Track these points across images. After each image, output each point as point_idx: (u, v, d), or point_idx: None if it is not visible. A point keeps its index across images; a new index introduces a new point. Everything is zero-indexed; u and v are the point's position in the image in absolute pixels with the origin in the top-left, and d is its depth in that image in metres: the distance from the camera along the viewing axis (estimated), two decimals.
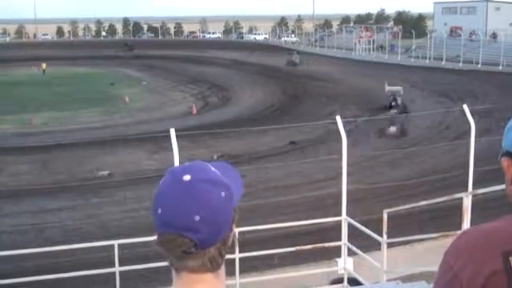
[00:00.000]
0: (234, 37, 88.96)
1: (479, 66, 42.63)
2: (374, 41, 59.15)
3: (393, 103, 31.60)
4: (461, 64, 44.42)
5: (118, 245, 6.64)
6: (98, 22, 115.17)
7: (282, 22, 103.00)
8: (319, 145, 23.10)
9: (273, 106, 35.06)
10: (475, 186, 7.30)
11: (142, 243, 6.85)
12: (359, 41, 60.37)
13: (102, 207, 16.29)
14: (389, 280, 7.20)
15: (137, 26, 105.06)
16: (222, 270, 1.29)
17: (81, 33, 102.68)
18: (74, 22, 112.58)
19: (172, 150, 6.23)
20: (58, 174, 20.10)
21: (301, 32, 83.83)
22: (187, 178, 1.23)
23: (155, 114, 33.77)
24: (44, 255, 9.52)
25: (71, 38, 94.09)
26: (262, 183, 17.80)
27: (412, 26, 71.92)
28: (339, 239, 7.56)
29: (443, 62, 46.23)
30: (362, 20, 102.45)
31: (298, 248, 7.96)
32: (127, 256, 7.88)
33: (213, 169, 1.28)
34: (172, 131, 6.39)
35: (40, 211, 16.12)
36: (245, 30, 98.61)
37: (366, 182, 17.19)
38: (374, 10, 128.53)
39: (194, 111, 34.19)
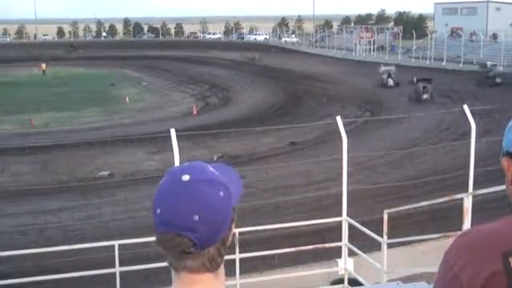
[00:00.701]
0: (234, 37, 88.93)
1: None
2: (374, 41, 59.16)
3: (388, 80, 37.87)
4: (461, 65, 44.44)
5: (119, 245, 6.64)
6: (99, 23, 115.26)
7: (283, 23, 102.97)
8: (319, 145, 23.11)
9: (273, 105, 35.08)
10: (475, 186, 7.30)
11: (142, 244, 6.85)
12: (359, 41, 60.39)
13: (102, 207, 16.28)
14: (389, 281, 7.20)
15: (137, 27, 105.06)
16: (222, 270, 1.29)
17: (81, 33, 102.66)
18: (74, 23, 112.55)
19: (172, 150, 6.23)
20: (58, 174, 20.11)
21: (301, 32, 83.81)
22: (186, 178, 1.23)
23: (155, 114, 33.78)
24: (44, 256, 9.53)
25: (71, 39, 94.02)
26: (263, 184, 17.81)
27: (412, 26, 71.87)
28: (339, 240, 7.56)
29: (444, 63, 46.26)
30: (363, 20, 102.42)
31: (299, 248, 7.96)
32: (128, 256, 7.89)
33: (211, 169, 1.28)
34: (172, 131, 6.39)
35: (40, 211, 16.12)
36: (245, 30, 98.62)
37: (367, 183, 17.20)
38: (375, 11, 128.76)
39: (194, 112, 34.21)
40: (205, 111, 35.07)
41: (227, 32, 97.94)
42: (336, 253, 7.93)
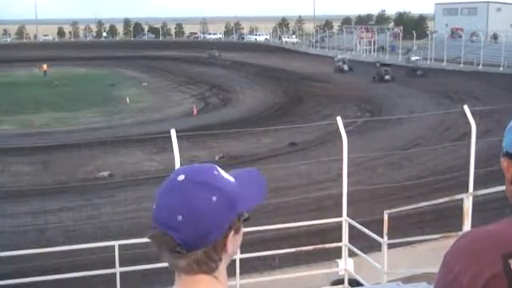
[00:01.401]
0: (234, 37, 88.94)
1: (480, 67, 42.65)
2: (374, 42, 59.16)
3: (343, 66, 47.29)
4: (462, 65, 44.43)
5: (119, 245, 6.64)
6: (99, 23, 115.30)
7: (283, 23, 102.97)
8: (319, 146, 23.11)
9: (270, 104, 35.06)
10: (476, 186, 7.29)
11: (142, 244, 6.85)
12: (360, 42, 60.40)
13: (102, 208, 16.29)
14: (389, 281, 7.19)
15: (138, 27, 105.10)
16: (221, 272, 1.28)
17: (82, 34, 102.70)
18: (74, 23, 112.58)
19: (173, 150, 6.23)
20: (58, 174, 20.11)
21: (301, 33, 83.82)
22: (181, 177, 1.23)
23: (156, 114, 33.79)
24: (45, 256, 9.54)
25: (72, 39, 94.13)
26: None
27: (413, 26, 71.88)
28: (340, 240, 7.56)
29: (444, 63, 46.25)
30: (363, 21, 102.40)
31: (299, 249, 7.96)
32: (128, 257, 7.88)
33: (216, 172, 1.26)
34: (173, 132, 6.38)
35: (41, 212, 16.13)
36: (246, 30, 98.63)
37: (367, 183, 17.20)
38: (375, 11, 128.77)
39: (195, 112, 34.21)
40: (205, 111, 35.07)
41: (227, 32, 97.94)
42: (336, 253, 7.93)
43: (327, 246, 7.92)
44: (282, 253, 8.14)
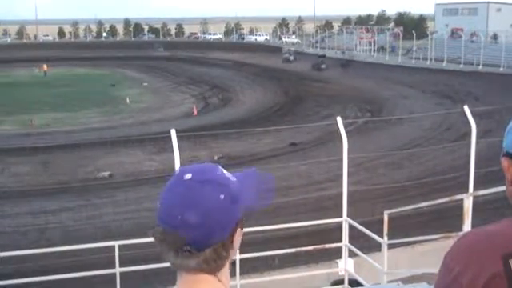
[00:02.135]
0: (235, 38, 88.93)
1: (480, 67, 42.62)
2: (374, 42, 59.11)
3: (290, 57, 56.88)
4: (462, 65, 44.39)
5: (119, 246, 6.64)
6: (99, 23, 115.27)
7: (283, 23, 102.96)
8: (319, 146, 23.11)
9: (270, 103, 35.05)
10: (476, 187, 7.29)
11: (142, 244, 6.84)
12: (360, 42, 60.36)
13: (102, 208, 16.29)
14: (390, 281, 7.20)
15: (138, 27, 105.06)
16: (225, 271, 1.28)
17: (82, 34, 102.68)
18: (75, 23, 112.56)
19: (173, 151, 6.23)
20: (58, 174, 20.12)
21: (301, 33, 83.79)
22: (188, 176, 1.23)
23: (156, 114, 33.80)
24: (45, 256, 9.54)
25: (72, 39, 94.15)
26: None
27: (413, 27, 71.83)
28: (340, 240, 7.56)
29: (444, 64, 46.19)
30: (363, 21, 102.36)
31: (299, 249, 7.96)
32: (128, 257, 7.88)
33: (219, 171, 1.27)
34: (173, 132, 6.39)
35: (41, 212, 16.13)
36: (246, 31, 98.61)
37: (367, 183, 17.20)
38: (375, 12, 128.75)
39: (195, 112, 34.22)
40: (205, 112, 35.09)
41: (228, 32, 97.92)
42: (336, 253, 7.93)
43: (327, 246, 7.92)
44: (282, 253, 8.14)
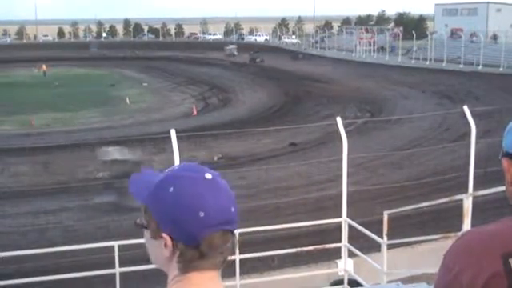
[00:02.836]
0: (234, 38, 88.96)
1: (480, 67, 42.65)
2: (374, 42, 59.12)
3: (234, 52, 67.73)
4: (461, 65, 44.42)
5: (119, 246, 6.64)
6: (99, 24, 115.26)
7: (283, 23, 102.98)
8: (319, 146, 23.11)
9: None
10: (476, 187, 7.30)
11: (142, 244, 6.85)
12: (360, 42, 60.36)
13: (102, 208, 16.28)
14: (389, 281, 7.20)
15: (137, 28, 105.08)
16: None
17: (81, 34, 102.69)
18: (74, 23, 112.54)
19: (172, 151, 6.23)
20: (58, 174, 20.11)
21: (301, 33, 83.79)
22: (209, 176, 1.24)
23: (156, 115, 33.79)
24: (45, 256, 9.53)
25: (72, 39, 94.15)
26: (263, 185, 17.81)
27: (413, 27, 71.86)
28: (339, 240, 7.56)
29: (444, 64, 46.23)
30: (363, 21, 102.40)
31: (299, 249, 7.96)
32: (128, 257, 7.88)
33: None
34: (172, 132, 6.39)
35: (40, 212, 16.13)
36: (245, 31, 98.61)
37: (367, 184, 17.20)
38: (375, 12, 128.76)
39: (195, 112, 34.22)
40: (205, 112, 35.08)
41: (227, 33, 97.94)
42: (336, 254, 7.93)
43: (327, 246, 7.93)
44: (282, 253, 8.14)
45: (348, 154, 7.32)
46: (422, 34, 64.48)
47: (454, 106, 27.92)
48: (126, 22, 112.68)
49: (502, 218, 1.30)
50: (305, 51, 66.99)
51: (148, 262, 1.39)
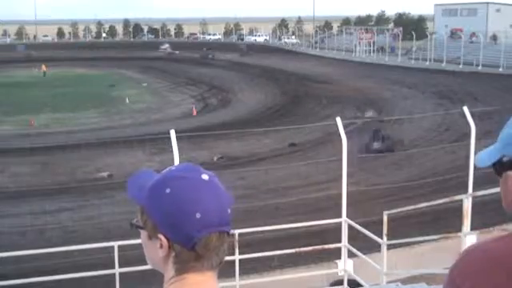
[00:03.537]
0: (234, 38, 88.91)
1: (480, 67, 42.63)
2: (374, 42, 59.10)
3: (169, 51, 72.78)
4: (461, 66, 44.40)
5: (118, 246, 6.64)
6: (99, 24, 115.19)
7: (283, 24, 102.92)
8: (319, 146, 23.11)
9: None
10: (475, 187, 7.30)
11: (142, 245, 6.84)
12: (359, 42, 60.35)
13: (102, 208, 16.28)
14: (389, 282, 7.20)
15: (137, 28, 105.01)
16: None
17: (81, 34, 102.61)
18: (74, 24, 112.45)
19: (172, 151, 6.23)
20: (58, 175, 20.11)
21: (301, 34, 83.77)
22: (206, 177, 1.24)
23: (155, 115, 33.81)
24: (44, 256, 9.53)
25: (71, 40, 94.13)
26: (262, 185, 17.82)
27: (412, 27, 71.88)
28: (339, 241, 7.55)
29: (443, 64, 46.22)
30: (363, 22, 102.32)
31: (298, 250, 7.96)
32: (127, 257, 7.88)
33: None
34: (172, 132, 6.39)
35: (40, 212, 16.13)
36: (245, 31, 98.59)
37: (367, 184, 17.21)
38: (375, 12, 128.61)
39: (194, 112, 34.23)
40: (204, 112, 35.08)
41: (227, 33, 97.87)
42: (336, 254, 7.93)
43: (326, 246, 7.92)
44: (282, 253, 8.14)
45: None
46: (422, 35, 64.53)
47: (454, 106, 27.93)
48: (126, 23, 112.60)
49: (502, 218, 1.29)
50: (298, 51, 66.78)
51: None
